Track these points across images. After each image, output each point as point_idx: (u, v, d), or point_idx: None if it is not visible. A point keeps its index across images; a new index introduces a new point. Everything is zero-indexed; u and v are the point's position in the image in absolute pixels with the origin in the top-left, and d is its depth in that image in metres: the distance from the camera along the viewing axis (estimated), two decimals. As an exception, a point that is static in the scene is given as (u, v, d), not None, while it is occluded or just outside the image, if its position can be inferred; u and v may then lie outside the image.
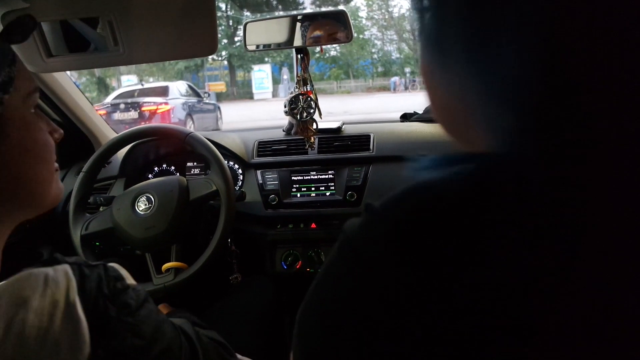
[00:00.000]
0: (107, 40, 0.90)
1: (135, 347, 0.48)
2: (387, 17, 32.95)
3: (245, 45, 1.27)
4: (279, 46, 1.27)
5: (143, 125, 1.36)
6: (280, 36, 1.25)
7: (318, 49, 1.29)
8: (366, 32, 33.07)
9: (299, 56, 1.24)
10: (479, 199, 0.32)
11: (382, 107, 13.52)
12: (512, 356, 0.30)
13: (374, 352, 0.34)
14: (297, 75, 1.26)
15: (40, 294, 0.43)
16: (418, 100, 1.71)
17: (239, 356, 0.78)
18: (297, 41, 1.22)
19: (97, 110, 1.64)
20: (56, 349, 0.42)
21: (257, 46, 1.28)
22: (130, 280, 0.53)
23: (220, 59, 31.79)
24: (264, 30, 1.28)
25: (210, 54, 0.95)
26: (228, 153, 1.47)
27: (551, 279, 0.29)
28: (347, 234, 0.37)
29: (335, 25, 1.19)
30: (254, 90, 26.89)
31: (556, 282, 0.29)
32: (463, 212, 0.32)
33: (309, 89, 1.26)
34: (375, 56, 33.96)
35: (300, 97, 1.25)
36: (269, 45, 1.29)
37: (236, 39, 29.64)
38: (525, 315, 0.30)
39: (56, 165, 0.60)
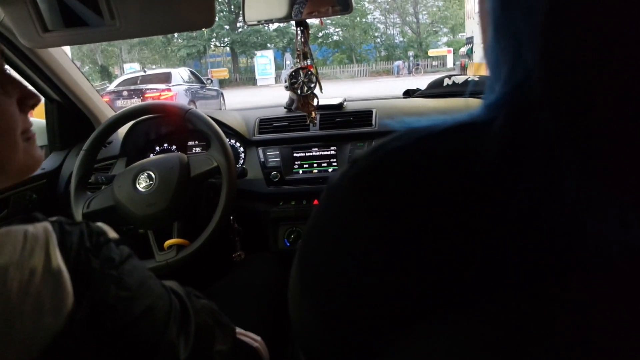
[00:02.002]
0: (104, 14, 0.89)
1: (120, 298, 0.48)
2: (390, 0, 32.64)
3: (244, 19, 1.25)
4: (278, 20, 1.25)
5: (143, 102, 1.35)
6: (279, 10, 1.23)
7: (317, 21, 1.27)
8: (369, 16, 32.85)
9: (298, 29, 1.22)
10: (469, 137, 0.31)
11: (385, 91, 13.43)
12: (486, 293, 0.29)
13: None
14: (296, 50, 1.24)
15: (20, 249, 0.43)
16: (422, 84, 1.70)
17: (238, 329, 0.78)
18: (297, 14, 1.20)
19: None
20: (38, 301, 0.42)
21: (259, 21, 1.26)
22: (113, 234, 0.53)
23: (222, 45, 31.71)
24: (263, 4, 1.26)
25: (208, 27, 0.94)
26: (229, 131, 1.46)
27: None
28: (328, 181, 0.37)
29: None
30: (257, 76, 26.82)
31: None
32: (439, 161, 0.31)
33: (309, 63, 1.24)
34: (378, 40, 33.78)
35: (301, 71, 1.24)
36: (269, 20, 1.28)
37: (238, 24, 29.50)
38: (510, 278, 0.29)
39: (32, 132, 0.58)
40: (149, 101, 1.35)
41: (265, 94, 16.78)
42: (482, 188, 0.29)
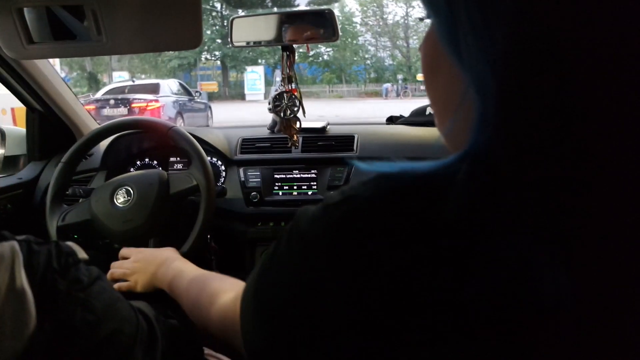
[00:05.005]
0: (90, 30, 0.89)
1: (85, 321, 0.48)
2: (381, 23, 33.16)
3: (231, 41, 1.26)
4: (266, 43, 1.27)
5: (126, 117, 1.35)
6: (267, 33, 1.25)
7: (304, 47, 1.29)
8: (360, 38, 33.25)
9: (284, 54, 1.24)
10: (433, 192, 0.32)
11: (373, 112, 13.55)
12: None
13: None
14: (282, 73, 1.25)
15: None
16: (410, 107, 1.73)
17: (207, 350, 0.77)
18: (284, 39, 1.22)
19: (86, 105, 1.63)
20: None
21: (247, 43, 1.28)
22: (83, 255, 0.53)
23: (213, 58, 31.77)
24: (251, 26, 1.28)
25: (194, 47, 0.95)
26: (211, 149, 1.47)
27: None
28: (297, 219, 0.38)
29: (321, 24, 1.19)
30: (246, 91, 26.84)
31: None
32: (410, 206, 0.32)
33: (293, 87, 1.25)
34: (368, 62, 34.16)
35: (285, 94, 1.25)
36: (257, 43, 1.29)
37: (230, 39, 29.54)
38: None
39: None
40: (133, 116, 1.35)
41: (253, 109, 16.79)
42: (448, 242, 0.30)
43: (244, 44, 1.28)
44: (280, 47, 1.25)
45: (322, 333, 0.34)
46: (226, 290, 0.64)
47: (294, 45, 1.25)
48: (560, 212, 0.29)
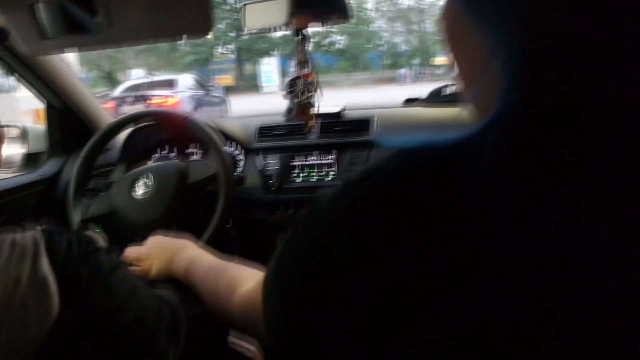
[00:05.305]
0: (102, 22, 0.89)
1: (107, 308, 0.48)
2: (393, 8, 32.79)
3: (244, 27, 1.25)
4: (279, 28, 1.26)
5: (141, 109, 1.36)
6: (279, 18, 1.24)
7: (318, 35, 1.27)
8: (373, 25, 32.96)
9: (298, 38, 1.22)
10: (457, 164, 0.31)
11: (391, 98, 13.44)
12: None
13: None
14: (296, 57, 1.24)
15: (6, 258, 0.43)
16: (426, 91, 1.71)
17: (231, 338, 0.78)
18: (296, 22, 1.20)
19: (105, 103, 1.64)
20: (23, 310, 0.42)
21: (260, 29, 1.27)
22: (103, 244, 0.53)
23: (227, 52, 31.87)
24: (263, 12, 1.26)
25: (205, 35, 0.94)
26: (228, 138, 1.46)
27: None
28: (316, 201, 0.37)
29: (333, 5, 1.17)
30: (262, 83, 26.89)
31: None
32: (431, 178, 0.31)
33: (308, 71, 1.24)
34: (382, 48, 33.86)
35: (299, 79, 1.24)
36: (269, 28, 1.28)
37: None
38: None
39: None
40: (148, 108, 1.36)
41: (269, 100, 16.84)
42: (475, 212, 0.29)
43: (257, 30, 1.27)
44: (293, 32, 1.24)
45: (345, 314, 0.33)
46: (245, 279, 0.63)
47: (308, 31, 1.23)
48: (595, 179, 0.27)
